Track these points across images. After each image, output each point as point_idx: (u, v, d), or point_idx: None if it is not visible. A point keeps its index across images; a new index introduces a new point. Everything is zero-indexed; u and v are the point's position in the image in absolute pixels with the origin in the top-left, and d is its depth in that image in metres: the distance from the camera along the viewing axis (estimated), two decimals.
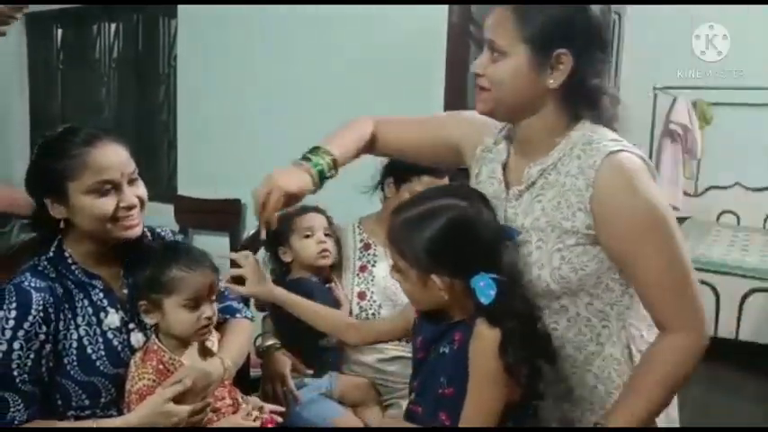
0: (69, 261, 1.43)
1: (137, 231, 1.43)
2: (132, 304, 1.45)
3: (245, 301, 1.79)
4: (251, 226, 2.22)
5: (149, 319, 1.44)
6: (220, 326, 1.57)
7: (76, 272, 1.43)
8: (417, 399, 1.32)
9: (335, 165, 1.43)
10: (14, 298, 1.34)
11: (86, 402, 1.39)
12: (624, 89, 4.82)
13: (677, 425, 1.42)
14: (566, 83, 1.22)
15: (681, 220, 4.82)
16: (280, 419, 1.58)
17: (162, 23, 4.33)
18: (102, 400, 1.41)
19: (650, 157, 4.69)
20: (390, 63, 3.08)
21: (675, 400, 1.38)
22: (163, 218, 3.18)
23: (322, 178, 1.42)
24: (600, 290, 1.28)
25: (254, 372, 1.97)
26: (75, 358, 1.38)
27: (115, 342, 1.44)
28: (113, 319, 1.44)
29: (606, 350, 1.31)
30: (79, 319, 1.40)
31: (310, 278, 1.99)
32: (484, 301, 1.17)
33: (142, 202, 1.44)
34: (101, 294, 1.44)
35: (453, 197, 1.24)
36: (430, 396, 1.27)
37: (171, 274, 1.41)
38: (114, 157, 1.40)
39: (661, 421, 1.32)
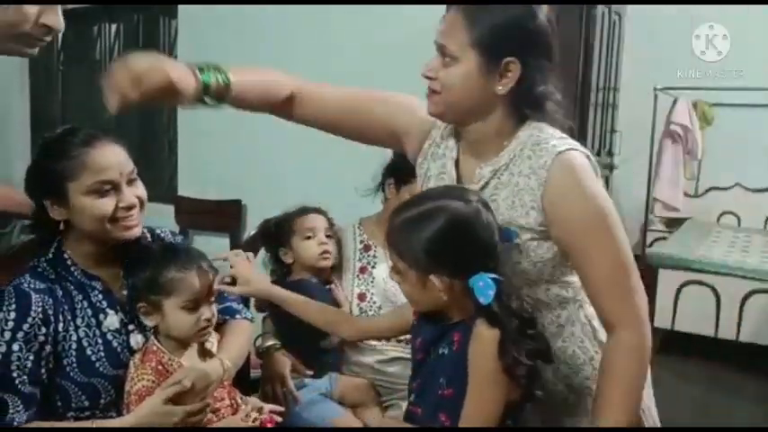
0: (69, 262, 1.43)
1: (136, 232, 1.43)
2: (131, 306, 1.45)
3: (244, 301, 1.79)
4: (251, 227, 2.23)
5: (149, 321, 1.44)
6: (220, 327, 1.57)
7: (76, 273, 1.43)
8: (417, 400, 1.32)
9: (226, 89, 1.37)
10: (14, 300, 1.34)
11: (86, 403, 1.39)
12: (624, 90, 4.84)
13: (656, 416, 1.46)
14: (513, 89, 1.27)
15: (681, 220, 4.83)
16: (279, 419, 1.58)
17: (162, 24, 4.33)
18: (102, 401, 1.41)
19: (651, 157, 4.70)
20: (391, 63, 3.08)
21: (651, 393, 1.45)
22: (163, 219, 3.18)
23: (207, 90, 1.35)
24: (555, 276, 1.35)
25: (254, 372, 1.97)
26: (74, 359, 1.38)
27: (114, 343, 1.44)
28: (112, 320, 1.44)
29: (566, 330, 1.38)
30: (79, 321, 1.40)
31: (310, 279, 1.99)
32: (483, 301, 1.17)
33: (141, 202, 1.44)
34: (100, 296, 1.44)
35: (451, 198, 1.24)
36: (429, 397, 1.27)
37: (170, 275, 1.41)
38: (113, 157, 1.40)
39: (646, 416, 1.39)
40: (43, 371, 1.35)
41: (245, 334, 1.63)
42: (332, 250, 2.01)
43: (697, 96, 4.67)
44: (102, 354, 1.41)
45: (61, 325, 1.38)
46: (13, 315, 1.32)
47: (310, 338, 1.93)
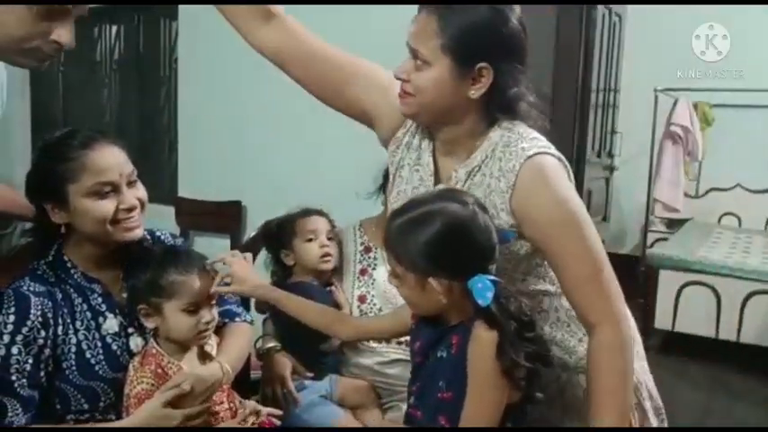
0: (68, 265, 1.43)
1: (137, 233, 1.43)
2: (131, 308, 1.45)
3: (244, 304, 1.79)
4: (252, 228, 2.22)
5: (149, 324, 1.43)
6: (219, 329, 1.57)
7: (75, 276, 1.43)
8: (416, 403, 1.32)
9: None
10: (13, 303, 1.34)
11: (85, 406, 1.39)
12: (625, 91, 4.84)
13: (655, 392, 1.49)
14: (486, 93, 1.27)
15: (682, 221, 4.83)
16: (278, 423, 1.58)
17: (163, 25, 4.33)
18: (101, 404, 1.41)
19: (651, 158, 4.70)
20: (392, 64, 3.08)
21: (645, 367, 1.48)
22: (163, 220, 3.18)
23: None
24: (531, 268, 1.39)
25: (255, 374, 1.97)
26: (73, 362, 1.38)
27: (114, 346, 1.43)
28: (112, 324, 1.44)
29: (551, 316, 1.42)
30: (78, 324, 1.40)
31: (311, 282, 1.99)
32: (481, 302, 1.17)
33: (142, 203, 1.44)
34: (99, 299, 1.44)
35: (447, 200, 1.24)
36: (429, 400, 1.27)
37: (170, 278, 1.41)
38: (112, 158, 1.40)
39: (646, 401, 1.43)
40: (42, 374, 1.35)
41: (244, 337, 1.63)
42: (333, 253, 2.00)
43: (697, 97, 4.67)
44: (102, 357, 1.41)
45: (60, 328, 1.38)
46: (12, 318, 1.32)
47: (311, 340, 1.92)
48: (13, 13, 1.15)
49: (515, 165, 1.26)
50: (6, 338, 1.31)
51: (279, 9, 1.46)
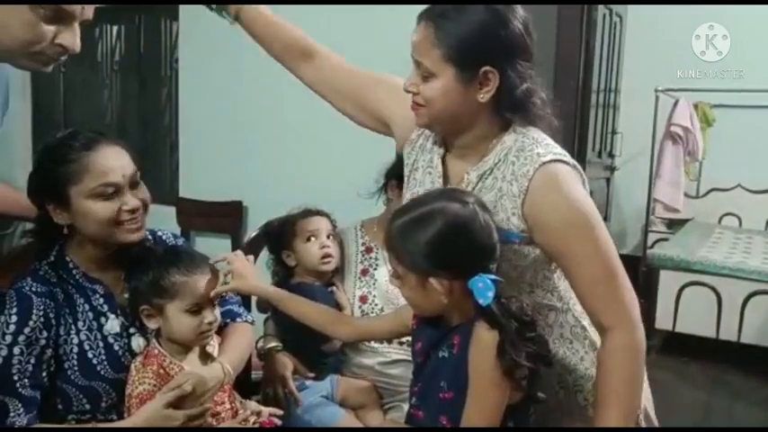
0: (70, 266, 1.43)
1: (140, 235, 1.43)
2: (133, 308, 1.45)
3: (245, 304, 1.79)
4: (253, 228, 2.23)
5: (151, 324, 1.43)
6: (221, 330, 1.57)
7: (77, 276, 1.43)
8: (418, 403, 1.32)
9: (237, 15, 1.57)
10: (15, 303, 1.34)
11: (87, 407, 1.39)
12: (625, 91, 4.84)
13: (650, 398, 1.48)
14: (495, 95, 1.27)
15: (682, 222, 4.83)
16: (279, 422, 1.58)
17: (164, 25, 4.33)
18: (103, 404, 1.41)
19: (652, 159, 4.70)
20: (394, 65, 3.08)
21: (651, 400, 1.46)
22: (164, 220, 3.18)
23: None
24: (538, 280, 1.37)
25: (256, 374, 1.97)
26: (75, 363, 1.38)
27: (116, 347, 1.44)
28: (113, 324, 1.44)
29: (555, 332, 1.40)
30: (80, 324, 1.40)
31: (313, 283, 1.99)
32: (482, 302, 1.17)
33: (145, 205, 1.44)
34: (101, 300, 1.44)
35: (448, 200, 1.24)
36: (430, 400, 1.27)
37: (173, 278, 1.41)
38: (115, 160, 1.40)
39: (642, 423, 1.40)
40: (44, 374, 1.35)
41: (246, 337, 1.63)
42: (334, 253, 2.00)
43: (698, 98, 4.67)
44: (104, 357, 1.41)
45: (62, 328, 1.38)
46: (14, 318, 1.33)
47: (312, 340, 1.92)
48: (18, 16, 1.15)
49: (529, 170, 1.26)
50: (8, 339, 1.32)
51: (316, 47, 1.59)
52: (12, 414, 1.31)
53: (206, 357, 1.48)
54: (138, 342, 1.47)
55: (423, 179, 1.41)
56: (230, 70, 3.69)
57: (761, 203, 4.91)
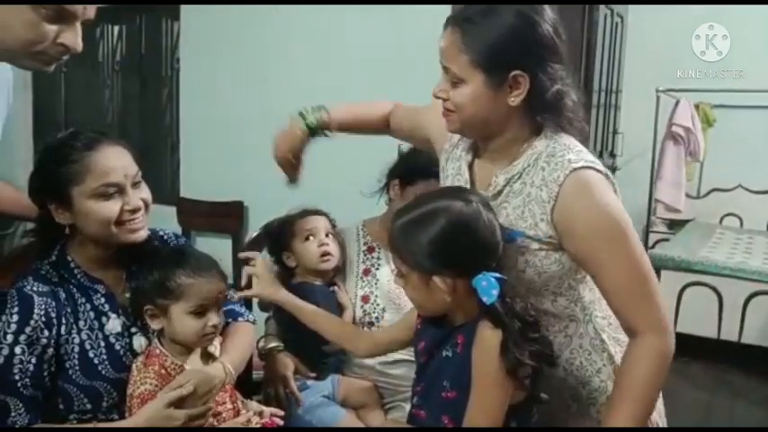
0: (72, 265, 1.43)
1: (142, 235, 1.43)
2: (135, 308, 1.45)
3: (246, 303, 1.79)
4: (253, 228, 2.23)
5: (154, 324, 1.43)
6: (222, 329, 1.56)
7: (79, 276, 1.43)
8: (420, 402, 1.32)
9: (328, 122, 1.65)
10: (16, 302, 1.34)
11: (88, 407, 1.39)
12: (627, 92, 4.83)
13: (663, 412, 1.46)
14: (526, 98, 1.26)
15: (683, 222, 4.82)
16: (280, 422, 1.58)
17: (165, 25, 4.34)
18: (104, 404, 1.41)
19: (653, 159, 4.70)
20: (395, 65, 3.08)
21: (662, 408, 1.44)
22: (165, 220, 3.18)
23: (313, 131, 1.68)
24: (563, 289, 1.35)
25: (257, 374, 1.97)
26: (77, 362, 1.38)
27: (117, 346, 1.44)
28: (114, 324, 1.44)
29: (574, 342, 1.38)
30: (81, 324, 1.40)
31: (314, 282, 1.99)
32: (486, 300, 1.17)
33: (147, 205, 1.44)
34: (102, 299, 1.44)
35: (450, 198, 1.24)
36: (433, 400, 1.27)
37: (179, 280, 1.40)
38: (117, 160, 1.40)
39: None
40: (45, 374, 1.35)
41: (247, 337, 1.63)
42: (333, 252, 1.99)
43: (699, 98, 4.67)
44: (105, 357, 1.41)
45: (64, 328, 1.38)
46: (15, 318, 1.32)
47: (313, 340, 1.92)
48: (20, 16, 1.15)
49: (560, 175, 1.24)
50: (10, 338, 1.31)
51: (387, 110, 1.69)
52: (13, 414, 1.31)
53: (207, 357, 1.48)
54: (139, 342, 1.46)
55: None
56: (231, 70, 3.70)
57: (762, 204, 4.90)
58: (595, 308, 1.37)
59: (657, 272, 3.85)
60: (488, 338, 1.18)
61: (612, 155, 4.87)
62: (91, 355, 1.40)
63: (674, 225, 4.90)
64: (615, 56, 4.51)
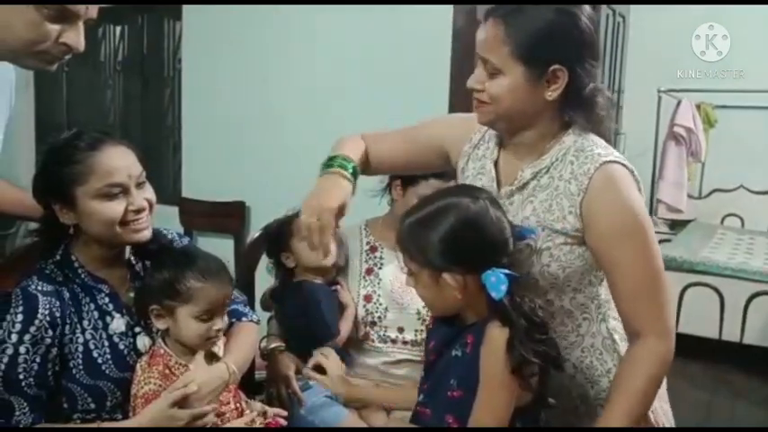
0: (76, 265, 1.43)
1: (146, 235, 1.43)
2: (140, 307, 1.45)
3: (250, 303, 1.79)
4: (255, 228, 2.23)
5: (159, 324, 1.43)
6: (226, 329, 1.57)
7: (83, 276, 1.43)
8: (426, 400, 1.32)
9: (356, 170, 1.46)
10: (21, 302, 1.34)
11: (92, 406, 1.39)
12: (629, 92, 4.84)
13: (671, 416, 1.49)
14: (562, 93, 1.27)
15: (685, 222, 4.82)
16: (284, 423, 1.58)
17: (167, 26, 4.34)
18: (108, 403, 1.41)
19: (654, 159, 4.70)
20: (395, 65, 3.08)
21: (665, 393, 1.46)
22: (167, 220, 3.18)
23: (355, 178, 1.45)
24: (583, 285, 1.36)
25: (259, 374, 1.97)
26: (81, 362, 1.38)
27: (121, 346, 1.44)
28: (118, 324, 1.44)
29: (586, 341, 1.39)
30: (85, 323, 1.40)
31: (313, 280, 1.99)
32: (495, 295, 1.17)
33: (151, 205, 1.44)
34: (106, 299, 1.44)
35: (457, 195, 1.25)
36: (439, 398, 1.28)
37: (189, 283, 1.40)
38: (121, 160, 1.40)
39: (658, 414, 1.41)
40: (50, 373, 1.35)
41: (251, 337, 1.63)
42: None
43: (700, 98, 4.67)
44: (109, 356, 1.41)
45: (68, 327, 1.38)
46: (20, 317, 1.32)
47: (315, 340, 1.93)
48: (22, 15, 1.15)
49: (590, 168, 1.26)
50: (14, 338, 1.32)
51: (364, 144, 1.55)
52: (17, 413, 1.31)
53: (211, 357, 1.47)
54: (143, 341, 1.46)
55: (474, 185, 1.41)
56: (233, 71, 3.70)
57: (763, 204, 4.90)
58: (610, 307, 1.38)
59: None
60: (496, 337, 1.18)
61: None
62: (95, 354, 1.40)
63: (676, 225, 4.90)
64: (617, 56, 4.52)
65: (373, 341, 2.00)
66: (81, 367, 1.38)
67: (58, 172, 1.38)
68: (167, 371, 1.41)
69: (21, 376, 1.32)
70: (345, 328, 1.96)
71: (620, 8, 4.39)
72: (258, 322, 1.70)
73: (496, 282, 1.18)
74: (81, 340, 1.39)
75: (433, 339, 1.34)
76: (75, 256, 1.43)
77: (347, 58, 3.26)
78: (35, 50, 1.20)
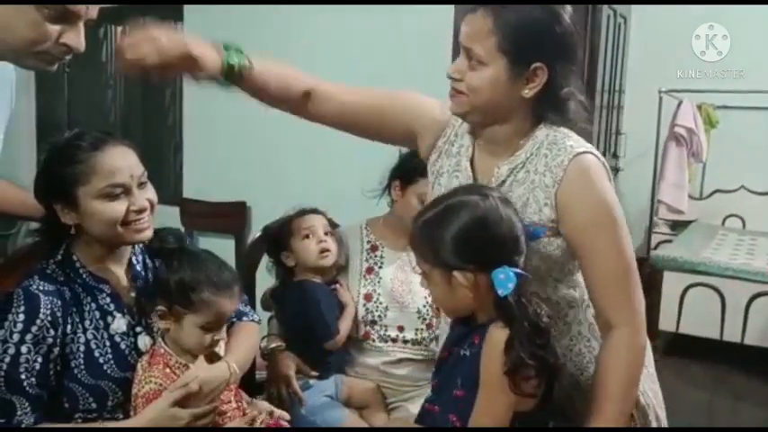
0: (77, 265, 1.43)
1: (148, 235, 1.43)
2: (140, 306, 1.46)
3: (251, 303, 1.79)
4: (256, 228, 2.23)
5: (161, 324, 1.43)
6: (227, 328, 1.57)
7: (84, 276, 1.43)
8: (434, 398, 1.33)
9: (248, 73, 1.42)
10: (23, 302, 1.34)
11: (93, 406, 1.39)
12: (630, 92, 4.83)
13: (660, 397, 1.50)
14: (539, 92, 1.28)
15: (686, 223, 4.82)
16: (286, 424, 1.58)
17: (168, 26, 4.34)
18: (109, 403, 1.41)
19: (655, 160, 4.69)
20: (395, 65, 3.09)
21: (654, 373, 1.48)
22: (168, 221, 3.19)
23: (229, 71, 1.40)
24: (564, 275, 1.38)
25: (260, 374, 1.98)
26: (82, 362, 1.38)
27: (122, 345, 1.44)
28: (120, 324, 1.44)
29: (573, 329, 1.42)
30: (87, 323, 1.40)
31: (313, 279, 1.99)
32: (501, 292, 1.17)
33: (153, 205, 1.44)
34: (108, 299, 1.44)
35: (468, 194, 1.25)
36: (446, 396, 1.28)
37: (203, 295, 1.40)
38: (123, 160, 1.40)
39: (648, 396, 1.42)
40: (51, 373, 1.35)
41: (252, 336, 1.63)
42: (332, 249, 2.00)
43: (702, 99, 4.67)
44: (110, 356, 1.41)
45: (69, 327, 1.38)
46: (21, 317, 1.32)
47: (315, 339, 1.93)
48: (23, 16, 1.15)
49: (564, 160, 1.28)
50: (16, 337, 1.32)
51: (313, 83, 1.48)
52: (19, 413, 1.31)
53: (212, 356, 1.47)
54: (144, 341, 1.47)
55: (449, 183, 1.42)
56: None
57: (765, 205, 4.89)
58: None
59: (660, 273, 3.85)
60: (496, 337, 1.18)
61: (615, 156, 4.87)
62: (96, 354, 1.40)
63: (677, 226, 4.89)
64: (618, 56, 4.51)
65: (373, 340, 2.00)
66: (82, 367, 1.38)
67: (59, 172, 1.38)
68: (168, 370, 1.41)
69: (22, 376, 1.32)
70: (345, 327, 1.96)
71: (621, 9, 4.38)
72: (259, 322, 1.70)
73: (505, 279, 1.18)
74: (82, 340, 1.39)
75: (448, 338, 1.35)
76: (76, 256, 1.43)
77: (347, 58, 3.27)
78: (35, 50, 1.20)
